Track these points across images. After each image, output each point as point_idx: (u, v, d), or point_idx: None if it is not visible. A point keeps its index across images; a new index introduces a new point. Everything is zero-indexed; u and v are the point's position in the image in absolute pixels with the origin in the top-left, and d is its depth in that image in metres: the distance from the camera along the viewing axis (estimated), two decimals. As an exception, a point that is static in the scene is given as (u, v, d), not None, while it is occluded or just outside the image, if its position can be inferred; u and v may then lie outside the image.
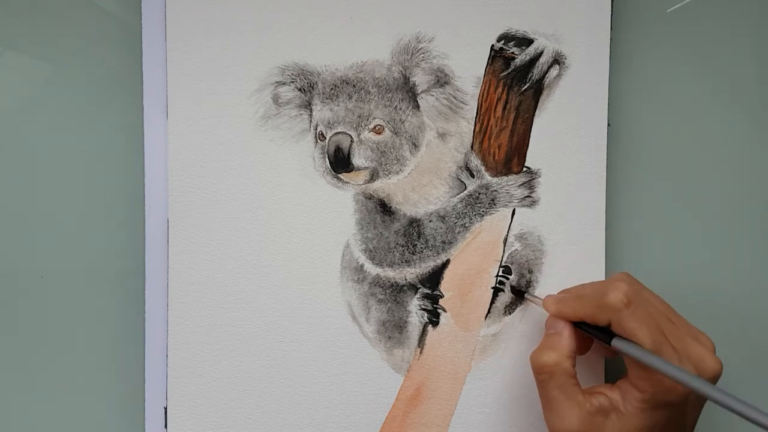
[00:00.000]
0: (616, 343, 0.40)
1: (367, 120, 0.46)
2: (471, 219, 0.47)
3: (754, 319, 0.50)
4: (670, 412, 0.39)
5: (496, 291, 0.47)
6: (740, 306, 0.50)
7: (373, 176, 0.47)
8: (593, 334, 0.42)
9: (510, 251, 0.48)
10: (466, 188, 0.47)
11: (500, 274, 0.48)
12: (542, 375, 0.41)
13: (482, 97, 0.47)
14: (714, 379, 0.39)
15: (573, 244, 0.47)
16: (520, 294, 0.47)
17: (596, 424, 0.40)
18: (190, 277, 0.46)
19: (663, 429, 0.40)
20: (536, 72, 0.47)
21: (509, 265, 0.48)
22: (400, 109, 0.46)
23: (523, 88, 0.47)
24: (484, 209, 0.47)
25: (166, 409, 0.47)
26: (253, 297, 0.47)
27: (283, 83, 0.47)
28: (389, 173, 0.47)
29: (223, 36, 0.46)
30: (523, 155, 0.47)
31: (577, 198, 0.47)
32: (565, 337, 0.42)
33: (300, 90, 0.47)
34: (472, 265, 0.47)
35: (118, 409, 0.48)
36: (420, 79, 0.47)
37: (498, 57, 0.47)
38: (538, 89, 0.47)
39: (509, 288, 0.47)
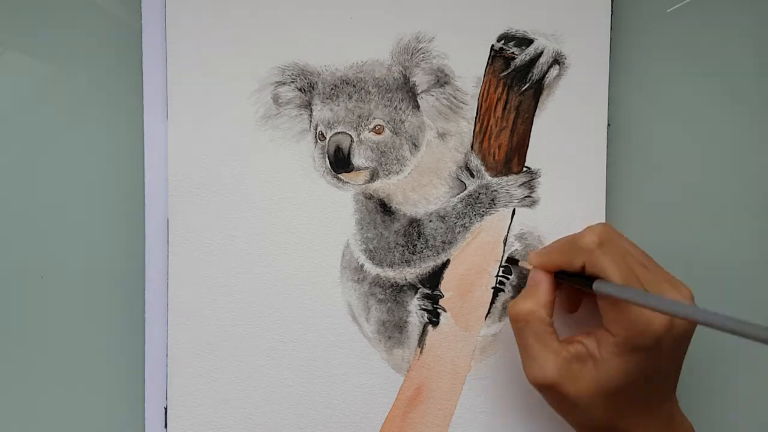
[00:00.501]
0: (597, 286, 0.39)
1: (367, 120, 0.46)
2: (471, 219, 0.47)
3: (755, 316, 0.50)
4: (645, 358, 0.39)
5: (496, 291, 0.47)
6: (740, 304, 0.50)
7: (373, 176, 0.47)
8: (573, 282, 0.42)
9: (510, 251, 0.48)
10: (466, 188, 0.47)
11: (500, 274, 0.48)
12: (518, 323, 0.42)
13: (482, 97, 0.47)
14: (690, 327, 0.40)
15: (573, 244, 0.47)
16: (515, 263, 0.47)
17: (573, 371, 0.40)
18: (190, 277, 0.46)
19: (640, 377, 0.39)
20: (536, 72, 0.47)
21: (509, 266, 0.48)
22: (400, 109, 0.47)
23: (523, 88, 0.47)
24: (484, 209, 0.47)
25: (166, 409, 0.47)
26: (253, 297, 0.47)
27: (283, 83, 0.47)
28: (389, 173, 0.47)
29: (223, 36, 0.46)
30: (523, 155, 0.47)
31: (577, 198, 0.47)
32: (543, 287, 0.42)
33: (300, 90, 0.47)
34: (472, 265, 0.47)
35: (118, 409, 0.48)
36: (420, 79, 0.47)
37: (498, 57, 0.47)
38: (538, 89, 0.47)
39: (506, 258, 0.47)
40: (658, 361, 0.40)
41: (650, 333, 0.38)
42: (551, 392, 0.41)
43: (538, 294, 0.42)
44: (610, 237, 0.41)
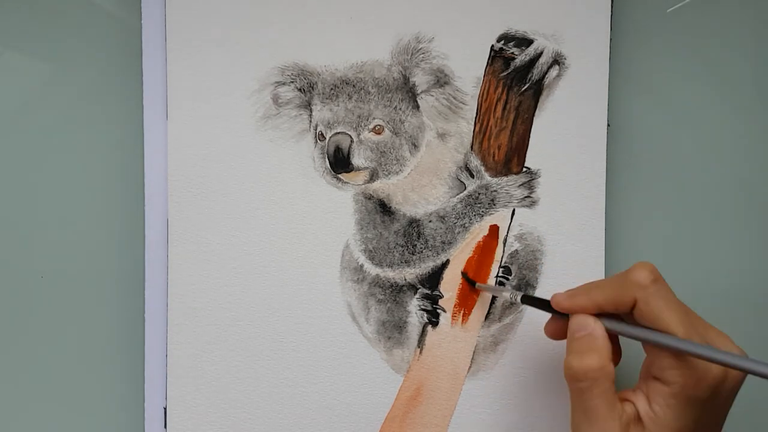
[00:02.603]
0: (646, 334, 0.35)
1: (367, 120, 0.46)
2: (471, 219, 0.47)
3: (755, 315, 0.50)
4: (700, 411, 0.35)
5: (496, 291, 0.47)
6: (740, 303, 0.50)
7: (373, 176, 0.47)
8: (618, 331, 0.37)
9: (510, 251, 0.48)
10: (465, 188, 0.47)
11: (500, 274, 0.48)
12: (584, 383, 0.36)
13: (482, 97, 0.47)
14: (741, 378, 0.36)
15: (573, 244, 0.47)
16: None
17: None
18: (190, 277, 0.46)
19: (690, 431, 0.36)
20: (536, 72, 0.47)
21: (509, 266, 0.48)
22: (400, 109, 0.46)
23: (523, 89, 0.47)
24: (483, 209, 0.47)
25: (165, 409, 0.47)
26: (253, 297, 0.47)
27: (283, 83, 0.47)
28: (389, 173, 0.47)
29: (223, 36, 0.46)
30: (522, 155, 0.47)
31: (577, 198, 0.47)
32: (600, 335, 0.37)
33: (300, 90, 0.47)
34: (472, 265, 0.47)
35: (118, 409, 0.48)
36: (420, 79, 0.47)
37: (498, 57, 0.47)
38: (537, 89, 0.47)
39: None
40: (709, 414, 0.36)
41: (708, 382, 0.35)
42: None
43: (599, 346, 0.36)
44: (660, 277, 0.37)
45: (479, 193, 0.47)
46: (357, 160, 0.46)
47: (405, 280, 0.47)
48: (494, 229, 0.47)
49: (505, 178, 0.47)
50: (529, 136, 0.47)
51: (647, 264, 0.37)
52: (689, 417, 0.35)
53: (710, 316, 0.50)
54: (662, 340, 0.35)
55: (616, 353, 0.40)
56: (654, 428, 0.36)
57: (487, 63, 0.47)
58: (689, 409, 0.35)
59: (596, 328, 0.37)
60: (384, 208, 0.47)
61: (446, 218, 0.47)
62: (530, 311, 0.47)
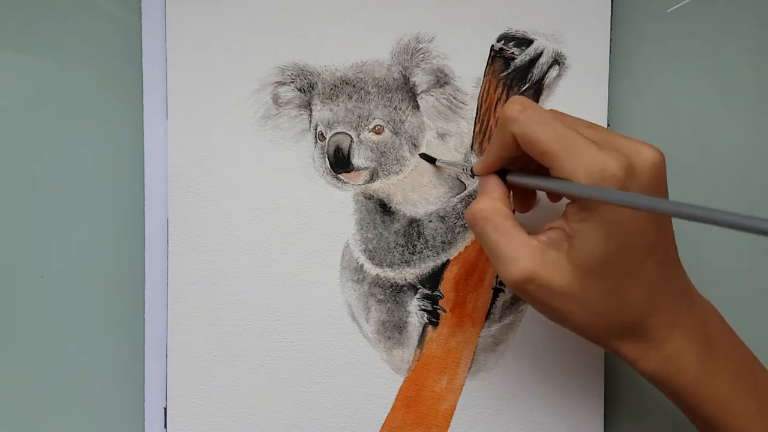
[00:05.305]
0: (510, 178, 0.38)
1: (367, 120, 0.46)
2: (471, 219, 0.47)
3: (755, 315, 0.50)
4: (616, 214, 0.34)
5: (497, 291, 0.47)
6: (740, 303, 0.50)
7: (373, 176, 0.47)
8: (512, 182, 0.39)
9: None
10: (465, 188, 0.47)
11: (500, 274, 0.47)
12: (478, 224, 0.37)
13: (482, 97, 0.47)
14: (655, 167, 0.35)
15: (573, 245, 0.47)
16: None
17: (550, 258, 0.34)
18: (189, 277, 0.46)
19: (622, 242, 0.34)
20: (536, 72, 0.47)
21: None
22: (400, 109, 0.47)
23: (523, 89, 0.47)
24: (484, 209, 0.47)
25: (165, 409, 0.47)
26: (252, 297, 0.47)
27: (283, 83, 0.47)
28: (389, 173, 0.47)
29: (223, 36, 0.46)
30: (523, 155, 0.47)
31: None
32: (491, 183, 0.38)
33: (300, 90, 0.47)
34: (472, 265, 0.47)
35: (118, 409, 0.48)
36: (420, 79, 0.47)
37: (498, 57, 0.47)
38: (538, 89, 0.47)
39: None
40: (633, 219, 0.34)
41: (609, 177, 0.33)
42: (533, 288, 0.34)
43: (489, 190, 0.38)
44: (532, 104, 0.36)
45: (479, 193, 0.47)
46: (357, 160, 0.46)
47: (405, 280, 0.47)
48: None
49: (505, 178, 0.47)
50: (529, 136, 0.47)
51: (516, 97, 0.37)
52: (606, 224, 0.34)
53: (715, 302, 0.50)
54: (546, 185, 0.36)
55: (524, 203, 0.43)
56: (575, 244, 0.34)
57: (487, 63, 0.47)
58: (604, 214, 0.34)
59: (489, 179, 0.39)
60: (384, 208, 0.47)
61: (446, 218, 0.47)
62: (530, 311, 0.47)
